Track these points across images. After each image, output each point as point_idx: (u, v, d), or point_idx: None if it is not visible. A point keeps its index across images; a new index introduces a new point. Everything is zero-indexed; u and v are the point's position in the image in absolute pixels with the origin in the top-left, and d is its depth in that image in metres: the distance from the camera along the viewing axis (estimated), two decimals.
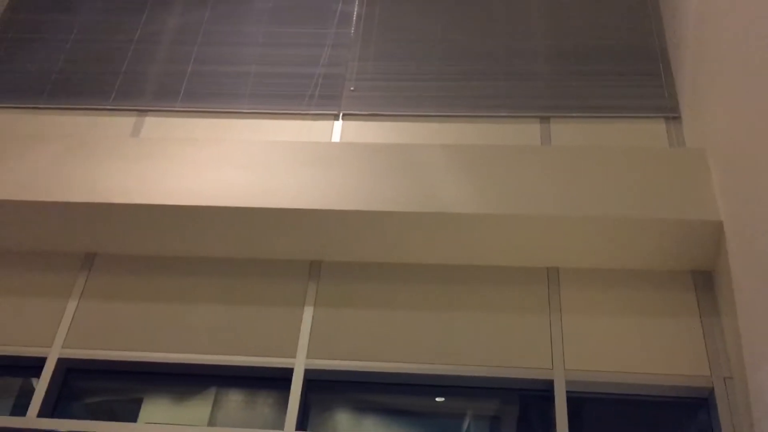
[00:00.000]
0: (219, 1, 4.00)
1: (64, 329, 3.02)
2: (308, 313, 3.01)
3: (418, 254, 3.06)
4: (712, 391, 2.70)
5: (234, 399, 2.91)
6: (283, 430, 2.74)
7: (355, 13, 3.88)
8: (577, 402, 2.76)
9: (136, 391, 2.95)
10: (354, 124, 3.47)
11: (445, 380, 2.85)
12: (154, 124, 3.54)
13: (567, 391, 2.73)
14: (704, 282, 2.94)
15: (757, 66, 2.47)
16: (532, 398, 2.83)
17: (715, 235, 2.81)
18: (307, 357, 2.89)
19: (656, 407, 2.77)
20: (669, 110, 3.39)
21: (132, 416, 2.89)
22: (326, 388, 2.90)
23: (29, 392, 2.94)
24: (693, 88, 3.23)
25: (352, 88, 3.59)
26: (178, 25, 3.91)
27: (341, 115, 3.51)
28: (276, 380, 2.90)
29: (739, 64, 2.65)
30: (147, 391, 2.94)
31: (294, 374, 2.85)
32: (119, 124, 3.55)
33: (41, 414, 2.85)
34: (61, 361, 2.97)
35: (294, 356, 2.90)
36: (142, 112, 3.59)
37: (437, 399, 2.88)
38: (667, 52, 3.58)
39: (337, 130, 3.46)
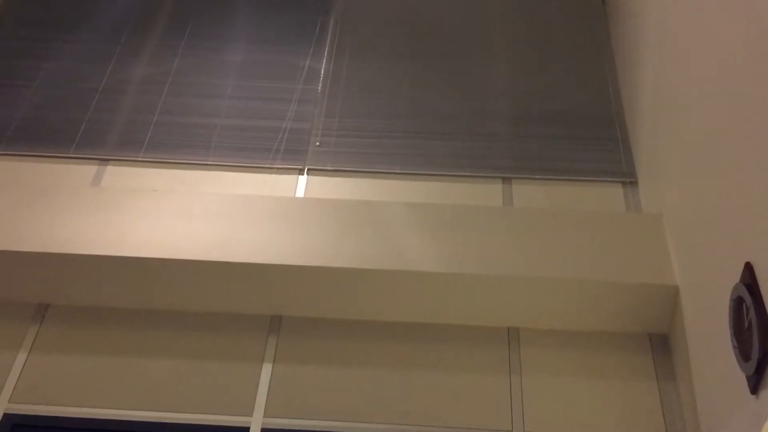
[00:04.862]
0: (188, 52, 4.02)
1: (11, 383, 2.91)
2: (267, 369, 2.96)
3: (379, 311, 3.05)
4: None
5: None
6: None
7: (322, 69, 3.94)
8: None
9: None
10: (318, 180, 3.49)
11: None
12: (115, 174, 3.50)
13: None
14: (661, 345, 2.99)
15: (710, 134, 2.57)
16: None
17: (671, 299, 2.87)
18: (265, 415, 2.83)
19: None
20: (626, 175, 3.48)
21: None
22: None
23: None
24: (649, 154, 3.33)
25: (317, 144, 3.62)
26: (145, 75, 3.91)
27: (306, 170, 3.53)
28: None
29: (693, 133, 2.75)
30: None
31: None
32: (80, 172, 3.50)
33: None
34: (7, 417, 2.85)
35: (251, 414, 2.84)
36: (104, 161, 3.55)
37: None
38: (624, 118, 3.70)
39: (302, 185, 3.47)
